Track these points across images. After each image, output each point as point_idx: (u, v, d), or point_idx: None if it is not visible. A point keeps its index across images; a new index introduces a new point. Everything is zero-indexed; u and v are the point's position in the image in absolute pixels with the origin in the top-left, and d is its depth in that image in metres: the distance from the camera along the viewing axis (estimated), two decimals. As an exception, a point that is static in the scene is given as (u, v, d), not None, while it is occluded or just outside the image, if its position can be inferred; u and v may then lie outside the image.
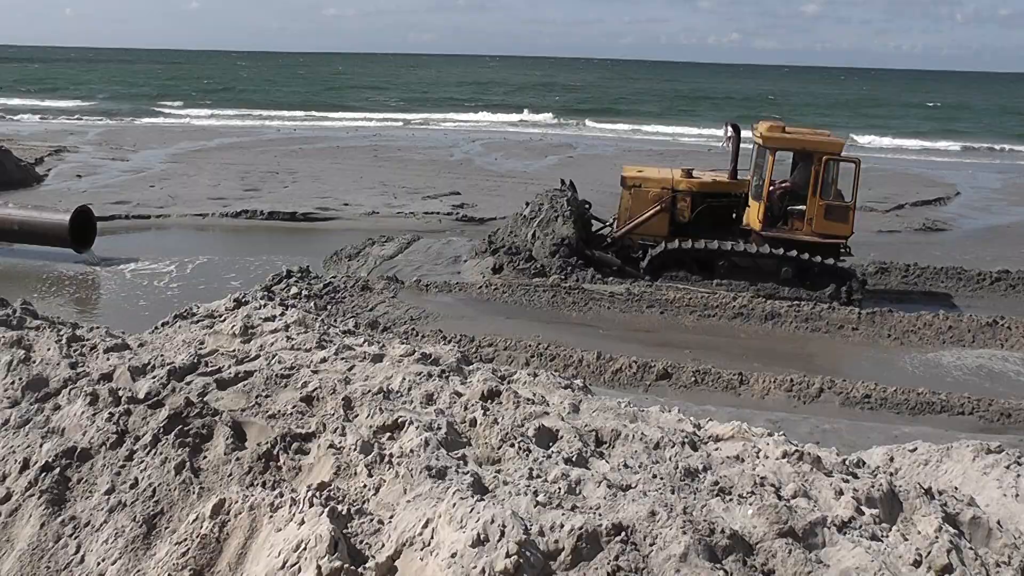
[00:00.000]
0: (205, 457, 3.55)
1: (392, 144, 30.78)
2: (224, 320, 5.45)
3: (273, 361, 4.55)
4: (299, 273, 11.53)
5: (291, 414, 3.86)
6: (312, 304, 9.18)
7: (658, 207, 12.50)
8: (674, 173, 12.96)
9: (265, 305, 5.88)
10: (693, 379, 8.52)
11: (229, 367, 4.45)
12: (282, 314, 5.68)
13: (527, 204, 13.82)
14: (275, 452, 3.53)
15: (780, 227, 11.97)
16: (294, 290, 10.56)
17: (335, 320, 8.71)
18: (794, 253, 11.68)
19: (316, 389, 4.11)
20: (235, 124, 39.16)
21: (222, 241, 15.35)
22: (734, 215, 12.71)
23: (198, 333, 5.21)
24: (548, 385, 4.55)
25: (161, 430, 3.65)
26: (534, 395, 4.29)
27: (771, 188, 11.93)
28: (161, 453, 3.55)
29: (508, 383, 4.51)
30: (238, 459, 3.50)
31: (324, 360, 4.60)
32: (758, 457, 3.46)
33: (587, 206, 13.64)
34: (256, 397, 4.04)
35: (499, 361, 8.62)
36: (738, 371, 8.66)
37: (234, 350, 4.88)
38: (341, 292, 10.91)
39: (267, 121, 41.47)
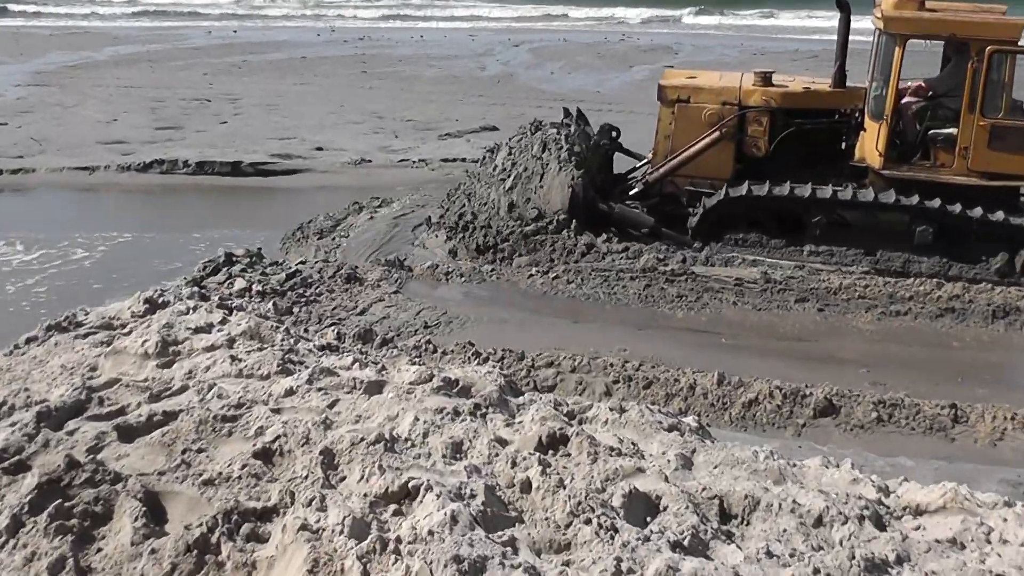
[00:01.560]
0: (100, 550, 3.58)
1: (389, 53, 31.07)
2: (130, 333, 5.54)
3: (210, 395, 4.61)
4: (247, 258, 11.66)
5: (239, 478, 3.89)
6: (271, 305, 9.29)
7: (717, 133, 12.68)
8: (743, 80, 13.12)
9: (196, 308, 5.97)
10: (875, 415, 8.38)
11: (138, 406, 4.52)
12: (223, 321, 5.75)
13: (491, 151, 14.13)
14: (214, 539, 3.55)
15: (915, 163, 11.92)
16: (240, 284, 10.72)
17: (306, 330, 8.78)
18: (938, 203, 11.57)
19: (279, 438, 4.13)
20: (138, 25, 39.97)
21: (122, 209, 15.72)
22: (840, 144, 12.82)
23: (87, 354, 5.31)
24: (643, 426, 4.51)
25: (26, 508, 3.67)
26: (621, 442, 4.26)
27: (901, 100, 11.85)
28: (26, 546, 3.58)
29: (580, 423, 4.48)
30: (154, 552, 3.53)
31: (291, 392, 4.64)
32: (989, 542, 3.37)
33: (611, 136, 14.00)
34: (183, 453, 4.09)
35: (564, 389, 8.61)
36: (950, 402, 8.48)
37: (146, 379, 4.96)
38: (316, 286, 11.03)
39: (189, 21, 42.15)
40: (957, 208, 11.53)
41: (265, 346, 5.27)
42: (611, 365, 9.03)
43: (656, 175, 12.98)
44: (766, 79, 12.99)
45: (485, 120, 20.92)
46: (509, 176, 13.18)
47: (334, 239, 13.43)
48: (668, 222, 12.71)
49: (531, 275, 11.59)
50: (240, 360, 5.09)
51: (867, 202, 11.76)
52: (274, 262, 11.79)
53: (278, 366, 4.95)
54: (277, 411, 4.48)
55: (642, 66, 28.10)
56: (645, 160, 13.76)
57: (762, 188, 12.07)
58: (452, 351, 9.21)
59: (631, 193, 13.29)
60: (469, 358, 8.89)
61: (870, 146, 12.15)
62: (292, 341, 5.41)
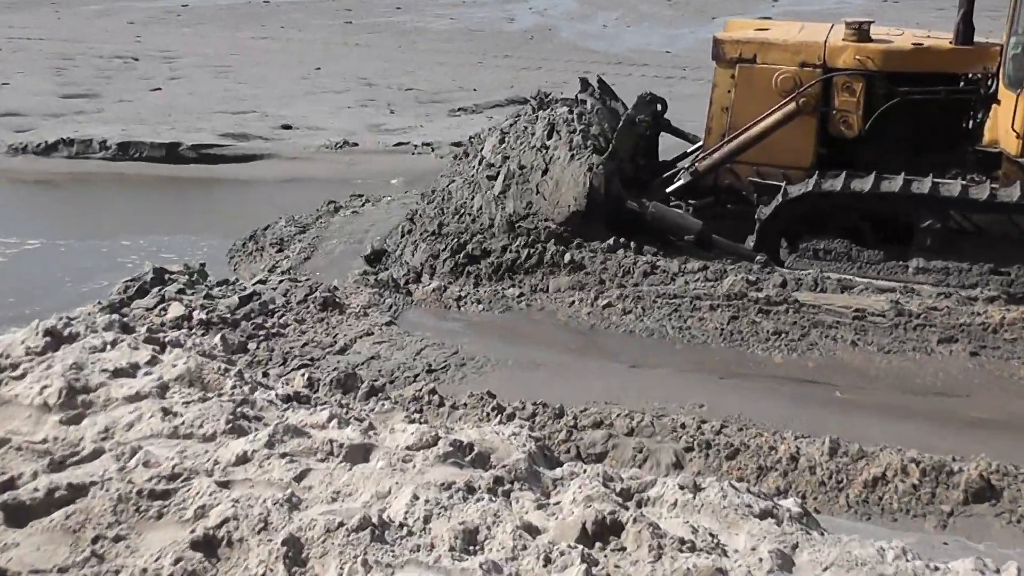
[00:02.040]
0: None
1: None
2: (23, 376, 5.57)
3: (133, 463, 4.62)
4: (186, 275, 11.71)
5: None
6: (218, 340, 9.31)
7: (793, 105, 12.79)
8: (831, 33, 13.21)
9: (115, 343, 5.99)
10: (1051, 501, 8.29)
11: (34, 477, 4.53)
12: (152, 361, 5.78)
13: (476, 138, 14.42)
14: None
15: None
16: (176, 311, 10.75)
17: (266, 374, 8.80)
18: None
19: (227, 522, 4.14)
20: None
21: (14, 207, 15.81)
22: (963, 121, 12.91)
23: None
24: (725, 511, 4.50)
25: None
26: (695, 532, 4.25)
27: None
28: None
29: (639, 506, 4.47)
30: None
31: (244, 459, 4.65)
32: None
33: (653, 111, 14.32)
34: (94, 543, 4.10)
35: (618, 459, 8.60)
36: None
37: (45, 440, 4.98)
38: (279, 314, 11.07)
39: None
40: None
41: (210, 396, 5.29)
42: (682, 426, 9.00)
43: (708, 162, 13.10)
44: (861, 32, 13.02)
45: (513, 90, 21.02)
46: (499, 176, 13.24)
47: (300, 252, 13.47)
48: (728, 229, 12.77)
49: (573, 302, 11.59)
50: (175, 415, 5.12)
51: (1007, 203, 11.73)
52: (223, 281, 11.83)
53: (227, 423, 4.98)
54: (225, 485, 4.49)
55: (729, 17, 28.15)
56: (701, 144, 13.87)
57: (858, 181, 12.09)
58: (465, 405, 9.20)
59: (673, 187, 13.40)
60: (488, 414, 8.87)
61: (1005, 125, 12.20)
62: (247, 389, 5.44)
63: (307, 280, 12.11)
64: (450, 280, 12.28)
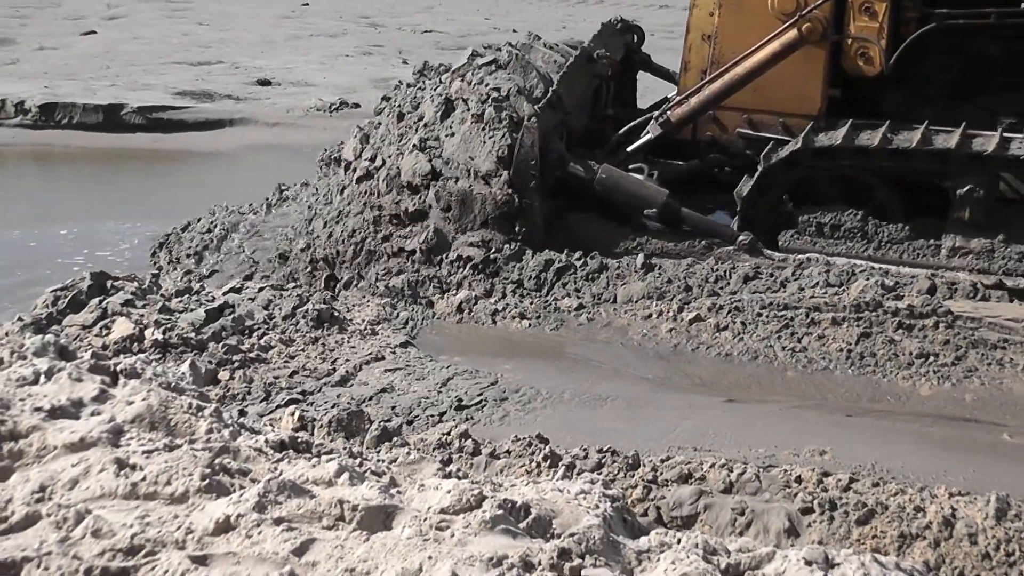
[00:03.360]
0: None
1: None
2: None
3: (79, 532, 4.66)
4: (133, 282, 11.76)
5: None
6: (185, 368, 9.32)
7: (794, 32, 12.93)
8: None
9: (51, 373, 6.01)
10: None
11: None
12: (100, 396, 5.80)
13: (326, 164, 14.85)
14: None
15: None
16: (124, 328, 10.77)
17: (243, 411, 8.81)
18: None
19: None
20: None
21: None
22: (1021, 61, 13.06)
23: None
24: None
25: None
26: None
27: None
28: None
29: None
30: None
31: (227, 527, 4.68)
32: None
33: (626, 43, 14.99)
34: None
35: (712, 522, 8.50)
36: None
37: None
38: (260, 332, 11.10)
39: None
40: None
41: (178, 442, 5.32)
42: (797, 480, 8.96)
43: (684, 109, 13.30)
44: None
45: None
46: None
47: (220, 257, 13.53)
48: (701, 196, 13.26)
49: (650, 315, 11.61)
50: (134, 468, 5.14)
51: None
52: (184, 290, 11.88)
53: (203, 479, 4.99)
54: (201, 561, 4.52)
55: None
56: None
57: (873, 135, 12.29)
58: (508, 453, 9.17)
59: (636, 144, 13.59)
60: (539, 465, 8.81)
61: None
62: (228, 433, 5.45)
63: (295, 288, 12.14)
64: (484, 290, 12.34)
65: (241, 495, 4.85)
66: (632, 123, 14.00)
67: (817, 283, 11.93)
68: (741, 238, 12.48)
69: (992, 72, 13.14)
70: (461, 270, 12.49)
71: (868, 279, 11.86)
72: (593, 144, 13.83)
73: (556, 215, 13.02)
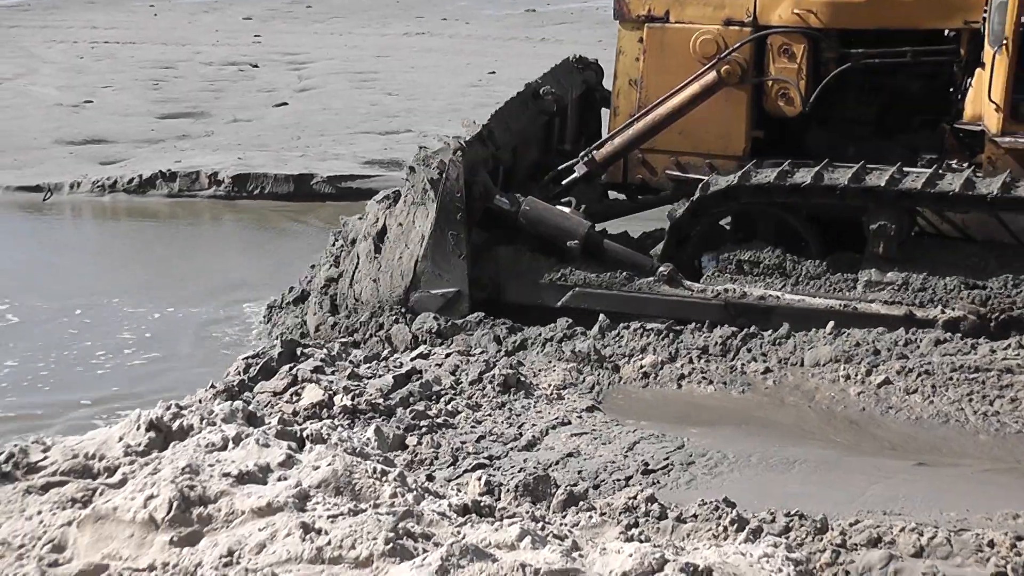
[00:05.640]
0: None
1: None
2: (123, 484, 5.70)
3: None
4: (322, 348, 11.89)
5: None
6: (371, 434, 9.34)
7: (713, 75, 13.00)
8: None
9: (239, 439, 6.09)
10: None
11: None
12: (287, 462, 5.87)
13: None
14: None
15: None
16: (313, 395, 10.81)
17: (431, 476, 8.86)
18: None
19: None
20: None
21: (102, 255, 16.35)
22: (944, 92, 13.17)
23: (48, 521, 5.47)
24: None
25: None
26: None
27: None
28: None
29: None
30: None
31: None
32: None
33: (584, 81, 15.07)
34: None
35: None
36: None
37: (152, 567, 5.09)
38: (447, 398, 11.12)
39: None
40: None
41: (363, 507, 5.35)
42: (990, 544, 8.77)
43: (608, 149, 13.41)
44: None
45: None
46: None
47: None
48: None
49: (838, 378, 11.49)
50: (319, 532, 5.18)
51: (977, 196, 11.85)
52: (372, 356, 11.96)
53: (387, 543, 5.02)
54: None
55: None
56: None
57: (799, 173, 12.24)
58: (695, 517, 9.09)
59: (566, 181, 13.63)
60: (726, 529, 8.68)
61: (983, 98, 12.30)
62: (411, 498, 5.48)
63: (481, 353, 12.16)
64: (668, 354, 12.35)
65: (424, 559, 4.87)
66: (568, 163, 14.05)
67: (1010, 344, 11.75)
68: (661, 270, 12.45)
69: (911, 109, 13.29)
70: (643, 336, 12.51)
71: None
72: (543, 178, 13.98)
73: (485, 248, 13.03)
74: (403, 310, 12.77)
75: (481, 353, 12.10)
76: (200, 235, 17.34)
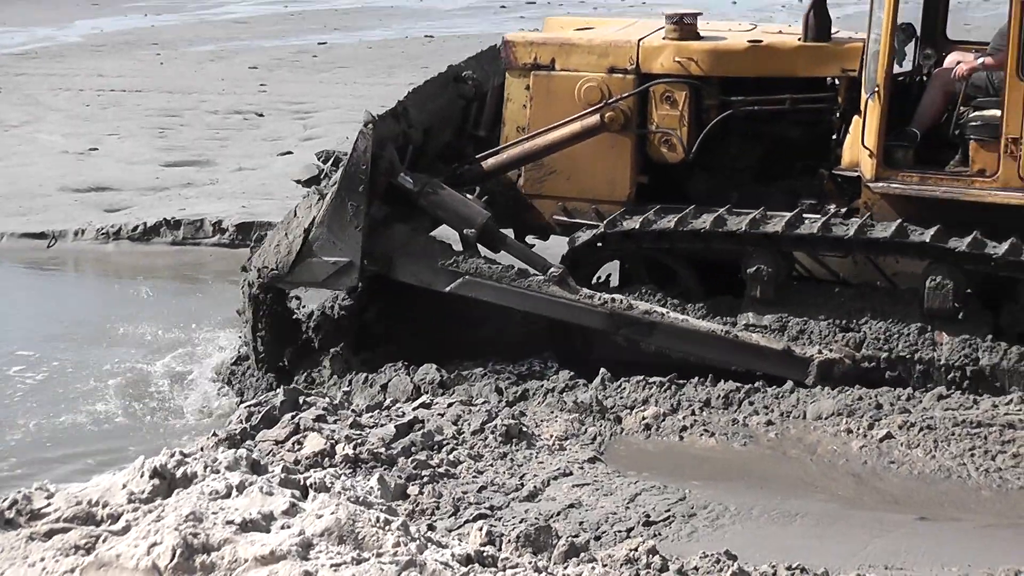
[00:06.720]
0: None
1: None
2: (127, 531, 5.70)
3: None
4: (325, 397, 11.89)
5: None
6: (374, 483, 9.29)
7: (596, 119, 13.17)
8: (647, 32, 13.65)
9: (243, 487, 6.08)
10: None
11: None
12: (291, 510, 5.86)
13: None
14: None
15: (937, 170, 12.34)
16: (315, 443, 10.76)
17: (431, 526, 8.83)
18: (968, 240, 11.88)
19: None
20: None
21: (107, 303, 16.53)
22: (825, 139, 13.31)
23: (52, 568, 5.47)
24: None
25: None
26: None
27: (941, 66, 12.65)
28: None
29: None
30: None
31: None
32: None
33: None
34: None
35: None
36: None
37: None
38: (449, 447, 11.10)
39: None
40: (1003, 248, 11.75)
41: (366, 556, 5.34)
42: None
43: (495, 161, 13.61)
44: (684, 28, 13.30)
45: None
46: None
47: None
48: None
49: (840, 432, 11.48)
50: (323, 581, 5.17)
51: (862, 239, 12.10)
52: (374, 405, 11.94)
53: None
54: None
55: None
56: None
57: (673, 221, 12.53)
58: (696, 569, 9.07)
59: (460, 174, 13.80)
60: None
61: (856, 145, 12.63)
62: (414, 547, 5.47)
63: (483, 403, 12.14)
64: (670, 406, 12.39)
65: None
66: (477, 156, 14.22)
67: (1012, 400, 11.75)
68: (552, 271, 12.56)
69: (792, 155, 13.42)
70: (645, 388, 12.53)
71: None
72: (454, 161, 14.17)
73: (383, 223, 13.07)
74: (287, 278, 12.89)
75: (483, 403, 12.10)
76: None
